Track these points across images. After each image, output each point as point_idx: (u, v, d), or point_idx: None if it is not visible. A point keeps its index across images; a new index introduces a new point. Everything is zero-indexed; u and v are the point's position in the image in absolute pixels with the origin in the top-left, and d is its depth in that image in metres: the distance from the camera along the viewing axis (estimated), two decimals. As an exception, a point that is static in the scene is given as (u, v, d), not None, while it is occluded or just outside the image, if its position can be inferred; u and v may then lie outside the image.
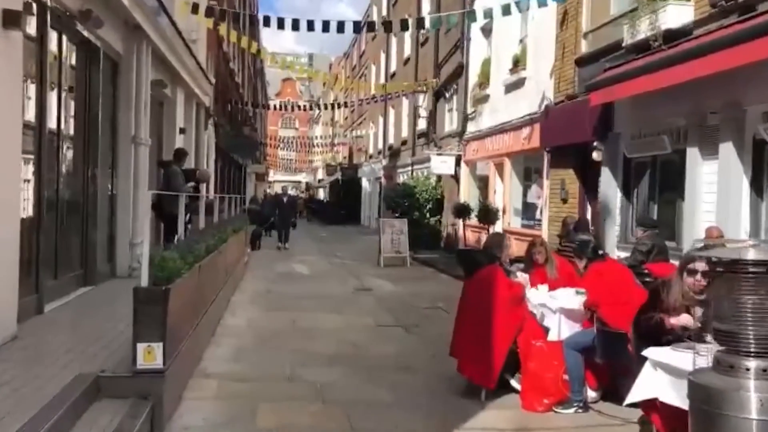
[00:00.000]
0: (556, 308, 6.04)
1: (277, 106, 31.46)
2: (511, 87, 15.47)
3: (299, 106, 31.58)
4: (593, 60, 11.37)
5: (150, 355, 4.65)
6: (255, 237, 19.83)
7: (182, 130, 14.29)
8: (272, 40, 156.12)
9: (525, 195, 15.87)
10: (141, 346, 4.65)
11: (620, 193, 10.68)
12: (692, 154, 8.59)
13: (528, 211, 15.52)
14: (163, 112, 13.58)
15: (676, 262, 8.20)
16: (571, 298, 6.08)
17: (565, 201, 12.38)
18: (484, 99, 17.34)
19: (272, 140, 50.98)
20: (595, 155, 10.84)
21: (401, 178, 27.17)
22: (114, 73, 9.65)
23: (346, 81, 34.27)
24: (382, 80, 31.96)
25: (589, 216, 12.06)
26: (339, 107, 29.83)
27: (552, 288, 6.66)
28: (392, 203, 20.94)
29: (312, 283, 13.73)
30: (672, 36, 8.65)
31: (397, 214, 21.09)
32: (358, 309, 10.80)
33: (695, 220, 8.46)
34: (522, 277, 6.41)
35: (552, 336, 6.03)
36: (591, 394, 5.83)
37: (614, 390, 6.01)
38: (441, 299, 11.79)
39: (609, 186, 10.80)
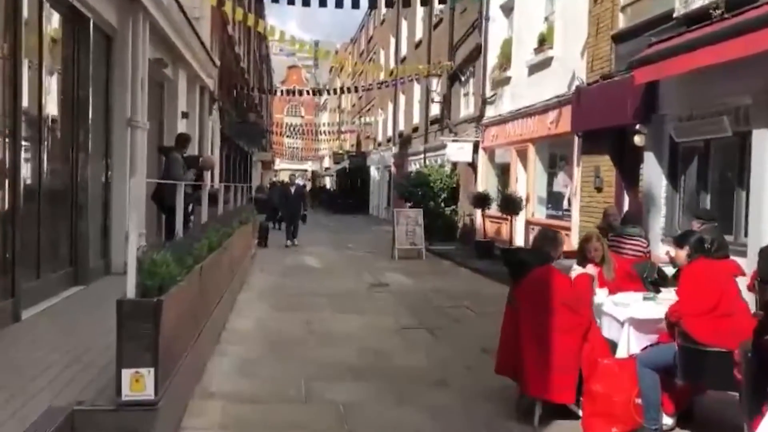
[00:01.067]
0: (626, 318, 5.08)
1: (284, 92, 30.39)
2: (536, 68, 14.44)
3: (306, 91, 30.52)
4: (633, 35, 10.34)
5: (138, 384, 3.73)
6: (262, 232, 17.95)
7: (185, 115, 13.36)
8: (277, 27, 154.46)
9: (550, 184, 14.87)
10: (127, 373, 3.73)
11: (666, 181, 9.68)
12: (759, 136, 7.58)
13: (554, 200, 14.53)
14: (164, 94, 12.65)
15: (737, 258, 7.30)
16: (644, 306, 5.13)
17: (599, 190, 11.39)
18: (505, 81, 16.32)
19: (278, 127, 49.99)
20: (637, 139, 9.82)
21: (412, 167, 26.19)
22: (107, 48, 8.69)
23: (356, 64, 33.33)
24: (392, 65, 30.87)
25: (626, 206, 11.09)
26: (348, 92, 28.79)
27: (611, 292, 5.73)
28: (405, 192, 19.95)
29: (324, 278, 12.82)
30: (736, 3, 7.63)
31: (409, 204, 20.18)
32: (377, 308, 9.88)
33: (762, 211, 7.46)
34: (590, 269, 5.45)
35: (621, 352, 5.08)
36: (666, 420, 4.88)
37: (690, 413, 5.14)
38: (464, 296, 10.88)
39: (653, 173, 9.79)
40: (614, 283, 5.89)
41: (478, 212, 17.46)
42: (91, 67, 7.95)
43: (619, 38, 10.92)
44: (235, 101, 27.28)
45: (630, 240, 7.58)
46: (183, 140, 10.11)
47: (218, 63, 17.95)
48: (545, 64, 13.96)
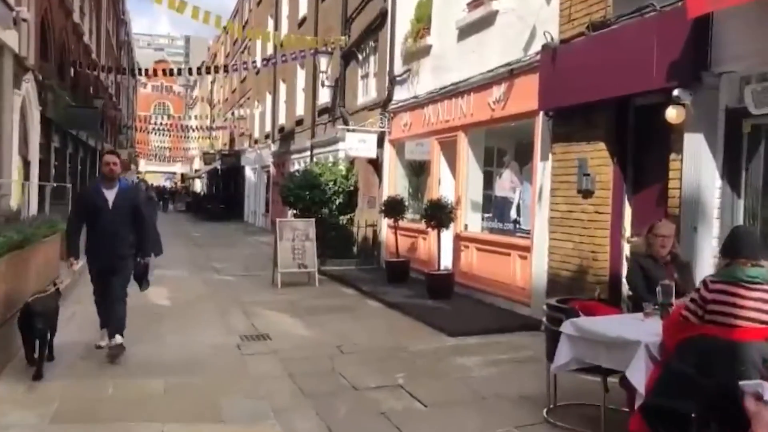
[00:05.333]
0: None
1: (144, 72, 25.28)
2: (471, 29, 10.66)
3: (171, 70, 25.41)
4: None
5: None
6: (39, 328, 5.80)
7: (-58, 72, 8.39)
8: (146, 23, 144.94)
9: (487, 186, 11.13)
10: None
11: (720, 179, 6.09)
12: None
13: (496, 209, 10.77)
14: None
15: None
16: None
17: (587, 194, 7.70)
18: (423, 52, 12.45)
19: (142, 123, 43.92)
20: (672, 114, 6.18)
21: (296, 166, 21.85)
22: None
23: (237, 30, 29.02)
24: (270, 52, 26.36)
25: (628, 217, 7.49)
26: (218, 71, 24.29)
27: None
28: (290, 196, 15.63)
29: (169, 329, 8.26)
30: None
31: (294, 212, 15.98)
32: (250, 399, 5.58)
33: None
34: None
35: None
36: None
37: None
38: (390, 358, 6.85)
39: (699, 165, 6.16)
40: None
41: (385, 222, 13.51)
42: None
43: (621, -34, 7.32)
44: (72, 82, 21.80)
45: (755, 290, 3.84)
46: None
47: (26, 16, 12.84)
48: (486, 21, 10.20)
